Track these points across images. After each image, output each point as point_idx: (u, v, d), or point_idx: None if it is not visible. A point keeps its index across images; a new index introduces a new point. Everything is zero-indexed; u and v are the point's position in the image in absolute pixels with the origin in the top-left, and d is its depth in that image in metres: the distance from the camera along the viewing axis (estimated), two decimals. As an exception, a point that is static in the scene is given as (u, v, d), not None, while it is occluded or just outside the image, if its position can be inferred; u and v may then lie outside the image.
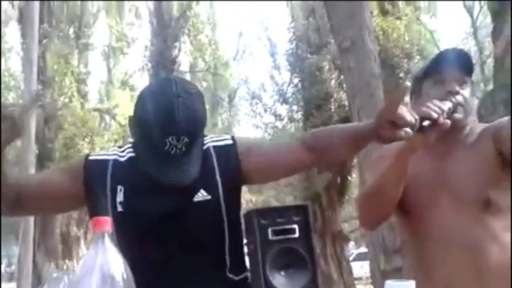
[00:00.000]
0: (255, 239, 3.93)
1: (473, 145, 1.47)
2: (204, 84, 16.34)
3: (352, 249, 11.63)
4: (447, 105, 1.35)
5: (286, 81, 11.20)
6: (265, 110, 11.18)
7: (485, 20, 14.22)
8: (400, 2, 10.98)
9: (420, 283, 1.03)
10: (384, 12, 10.58)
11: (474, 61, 1.54)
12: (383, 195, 1.45)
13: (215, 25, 16.48)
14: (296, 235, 3.78)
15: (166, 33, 13.09)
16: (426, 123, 1.27)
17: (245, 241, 4.29)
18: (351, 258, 11.14)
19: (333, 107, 9.74)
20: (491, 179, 1.42)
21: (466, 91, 1.47)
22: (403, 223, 1.55)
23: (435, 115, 1.28)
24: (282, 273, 3.72)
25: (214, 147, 1.35)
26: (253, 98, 11.65)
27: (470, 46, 16.37)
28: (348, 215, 11.13)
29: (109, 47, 15.56)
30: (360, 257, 13.57)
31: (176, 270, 1.28)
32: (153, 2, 13.54)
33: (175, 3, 13.67)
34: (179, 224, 1.28)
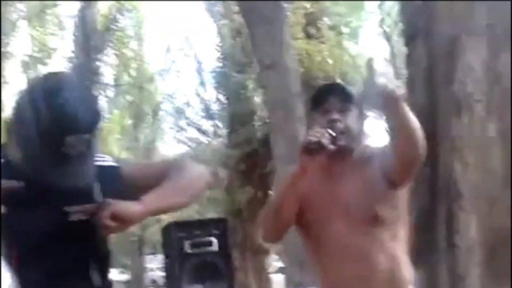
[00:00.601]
0: (172, 252, 3.87)
1: (363, 166, 1.65)
2: (129, 98, 16.07)
3: (273, 262, 11.80)
4: (330, 131, 1.53)
5: (212, 98, 11.28)
6: (189, 125, 11.18)
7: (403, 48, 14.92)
8: (323, 27, 11.36)
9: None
10: (309, 36, 10.91)
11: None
12: (278, 213, 1.63)
13: (142, 40, 16.31)
14: (214, 248, 3.76)
15: (89, 46, 12.80)
16: (311, 146, 1.50)
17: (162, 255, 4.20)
18: (272, 271, 11.26)
19: (256, 124, 9.91)
20: (378, 196, 1.62)
21: (348, 118, 1.64)
22: (303, 236, 1.71)
23: (315, 139, 1.49)
24: (199, 286, 3.70)
25: (98, 166, 1.26)
26: (178, 113, 11.62)
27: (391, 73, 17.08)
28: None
29: (30, 57, 14.99)
30: (282, 270, 13.73)
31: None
32: (77, 14, 13.23)
33: (100, 16, 13.43)
34: (54, 242, 1.20)
